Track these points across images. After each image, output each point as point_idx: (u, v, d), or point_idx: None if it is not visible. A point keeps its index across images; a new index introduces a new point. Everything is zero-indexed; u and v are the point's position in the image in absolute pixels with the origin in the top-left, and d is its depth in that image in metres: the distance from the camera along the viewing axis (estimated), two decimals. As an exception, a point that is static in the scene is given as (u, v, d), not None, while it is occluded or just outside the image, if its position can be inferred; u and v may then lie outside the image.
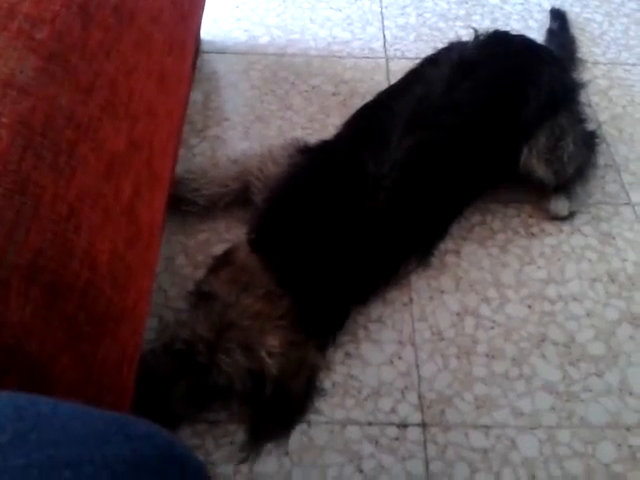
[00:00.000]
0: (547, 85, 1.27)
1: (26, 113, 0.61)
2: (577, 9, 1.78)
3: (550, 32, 1.67)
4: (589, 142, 1.37)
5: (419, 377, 1.09)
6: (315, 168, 1.15)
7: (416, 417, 1.04)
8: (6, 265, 0.55)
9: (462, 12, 1.78)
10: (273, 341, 0.96)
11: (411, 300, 1.19)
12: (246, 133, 1.43)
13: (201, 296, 1.02)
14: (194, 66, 1.47)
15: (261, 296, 0.99)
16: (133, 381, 0.71)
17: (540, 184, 1.32)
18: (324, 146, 1.22)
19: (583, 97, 1.52)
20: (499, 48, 1.31)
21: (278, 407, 0.99)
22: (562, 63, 1.43)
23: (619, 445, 1.02)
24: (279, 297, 0.99)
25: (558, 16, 1.72)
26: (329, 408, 1.04)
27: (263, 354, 0.95)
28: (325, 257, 1.04)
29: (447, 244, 1.27)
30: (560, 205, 1.32)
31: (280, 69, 1.59)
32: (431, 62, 1.30)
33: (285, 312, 0.99)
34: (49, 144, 0.62)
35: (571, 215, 1.33)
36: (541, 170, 1.28)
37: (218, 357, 0.94)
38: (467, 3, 1.81)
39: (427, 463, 1.00)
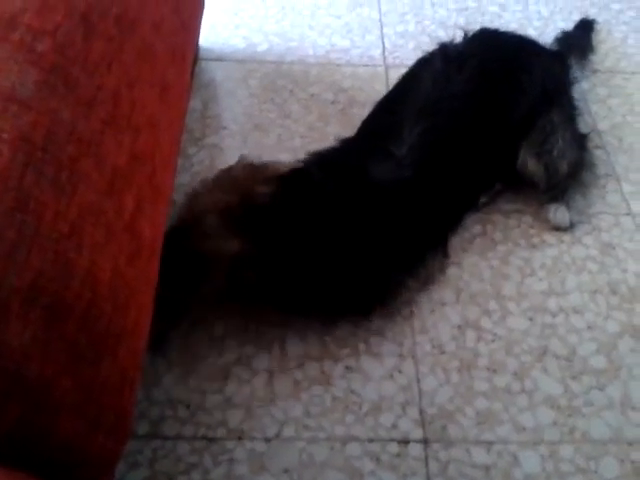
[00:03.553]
0: (540, 76, 1.30)
1: (27, 128, 0.60)
2: (575, 17, 1.77)
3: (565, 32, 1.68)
4: (580, 142, 1.37)
5: (420, 391, 1.08)
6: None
7: (417, 433, 1.03)
8: (6, 287, 0.53)
9: (461, 20, 1.77)
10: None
11: (412, 313, 1.17)
12: (244, 142, 1.42)
13: None
14: (192, 74, 1.45)
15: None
16: (134, 403, 0.69)
17: (533, 182, 1.32)
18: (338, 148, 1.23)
19: (582, 106, 1.52)
20: (489, 41, 1.35)
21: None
22: (553, 54, 1.44)
23: (622, 461, 1.01)
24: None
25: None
26: (329, 424, 1.03)
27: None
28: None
29: (448, 255, 1.26)
30: (560, 215, 1.31)
31: (279, 77, 1.57)
32: (423, 62, 1.33)
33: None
34: (51, 159, 0.60)
35: (572, 225, 1.32)
36: (532, 164, 1.29)
37: None
38: (466, 11, 1.81)
39: (429, 480, 0.98)
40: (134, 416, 0.77)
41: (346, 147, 1.21)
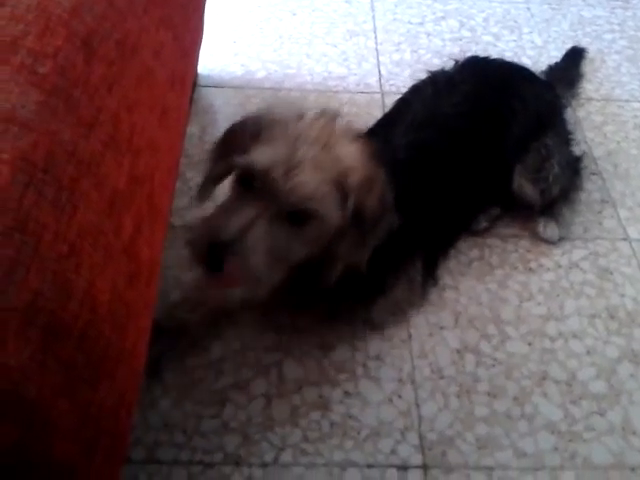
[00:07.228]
0: (533, 101, 1.30)
1: (28, 149, 0.60)
2: (569, 46, 1.80)
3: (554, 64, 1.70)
4: (574, 166, 1.40)
5: (419, 417, 1.06)
6: None
7: (417, 459, 1.02)
8: (5, 306, 0.53)
9: (456, 49, 1.79)
10: None
11: (410, 336, 1.17)
12: (243, 166, 1.42)
13: None
14: (191, 99, 1.46)
15: None
16: (131, 426, 0.68)
17: (528, 203, 1.35)
18: None
19: (578, 133, 1.54)
20: (479, 68, 1.35)
21: None
22: (544, 82, 1.46)
23: (624, 487, 1.00)
24: None
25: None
26: (328, 450, 1.02)
27: None
28: None
29: (445, 279, 1.26)
30: (549, 230, 1.35)
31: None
32: (414, 88, 1.33)
33: None
34: (51, 180, 0.61)
35: (560, 240, 1.35)
36: (529, 190, 1.32)
37: None
38: (461, 40, 1.84)
39: (429, 506, 0.97)
40: (129, 441, 0.76)
41: None
